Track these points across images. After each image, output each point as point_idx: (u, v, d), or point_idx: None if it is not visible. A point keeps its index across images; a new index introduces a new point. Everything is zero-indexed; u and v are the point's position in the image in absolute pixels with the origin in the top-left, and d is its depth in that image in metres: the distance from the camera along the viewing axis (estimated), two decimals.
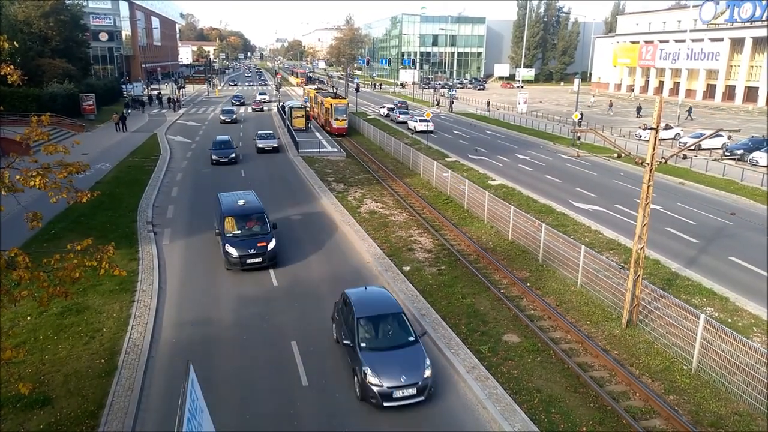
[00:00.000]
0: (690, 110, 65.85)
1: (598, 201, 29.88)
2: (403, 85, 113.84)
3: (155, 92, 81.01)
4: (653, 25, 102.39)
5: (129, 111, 58.20)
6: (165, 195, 30.33)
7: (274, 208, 27.89)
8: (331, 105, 51.28)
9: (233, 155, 38.04)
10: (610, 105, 76.64)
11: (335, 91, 69.70)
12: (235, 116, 59.03)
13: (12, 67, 8.76)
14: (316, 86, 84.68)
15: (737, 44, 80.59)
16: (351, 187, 32.54)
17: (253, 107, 71.56)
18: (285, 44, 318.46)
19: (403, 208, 28.32)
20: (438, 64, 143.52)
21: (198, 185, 32.53)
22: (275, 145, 42.62)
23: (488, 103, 76.49)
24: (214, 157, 37.78)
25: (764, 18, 73.93)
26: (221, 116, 58.61)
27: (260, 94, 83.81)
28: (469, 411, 12.52)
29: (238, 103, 76.98)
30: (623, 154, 16.77)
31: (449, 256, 21.60)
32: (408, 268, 20.35)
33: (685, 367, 14.02)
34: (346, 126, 51.38)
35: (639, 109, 71.03)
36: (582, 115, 51.44)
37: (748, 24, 77.08)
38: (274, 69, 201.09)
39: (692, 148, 36.04)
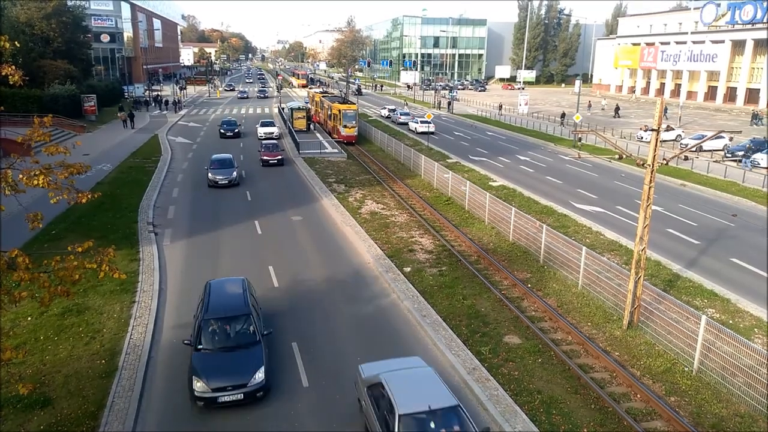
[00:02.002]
0: (665, 110, 66.67)
1: (599, 202, 29.86)
2: (409, 87, 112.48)
3: (155, 93, 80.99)
4: (654, 27, 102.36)
5: (123, 113, 57.92)
6: (166, 196, 30.34)
7: (275, 209, 27.92)
8: (339, 111, 47.80)
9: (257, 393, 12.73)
10: (589, 105, 77.55)
11: (343, 95, 66.22)
12: (234, 173, 32.33)
13: (13, 67, 8.76)
14: (321, 89, 75.19)
15: (738, 46, 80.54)
16: (352, 188, 32.54)
17: (265, 158, 37.89)
18: (286, 46, 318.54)
19: (404, 209, 28.31)
20: (439, 65, 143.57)
21: (199, 185, 32.53)
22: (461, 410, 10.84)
23: (500, 106, 73.99)
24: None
25: (765, 20, 73.86)
26: (209, 173, 32.10)
27: (265, 124, 50.49)
28: (470, 412, 12.43)
29: (230, 133, 49.67)
30: (624, 156, 16.77)
31: (450, 257, 21.58)
32: (409, 269, 20.34)
33: (686, 369, 14.00)
34: (355, 134, 47.78)
35: (617, 109, 70.87)
36: (563, 115, 51.86)
37: (749, 26, 77.02)
38: (275, 70, 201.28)
39: (693, 149, 36.12)
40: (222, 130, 50.40)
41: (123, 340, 15.01)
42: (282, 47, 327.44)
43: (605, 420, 12.22)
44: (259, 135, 48.52)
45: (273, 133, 48.88)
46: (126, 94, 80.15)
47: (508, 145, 49.79)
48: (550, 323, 16.54)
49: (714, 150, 43.57)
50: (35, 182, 8.43)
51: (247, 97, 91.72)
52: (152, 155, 41.51)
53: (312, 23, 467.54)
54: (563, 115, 62.25)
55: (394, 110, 68.34)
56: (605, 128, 54.46)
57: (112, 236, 22.95)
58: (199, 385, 12.05)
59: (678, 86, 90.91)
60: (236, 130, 50.62)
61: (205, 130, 55.69)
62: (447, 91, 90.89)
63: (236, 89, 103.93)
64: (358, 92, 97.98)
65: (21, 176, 8.49)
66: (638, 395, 13.08)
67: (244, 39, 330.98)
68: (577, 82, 65.03)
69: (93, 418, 11.93)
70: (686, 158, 38.95)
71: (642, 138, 48.24)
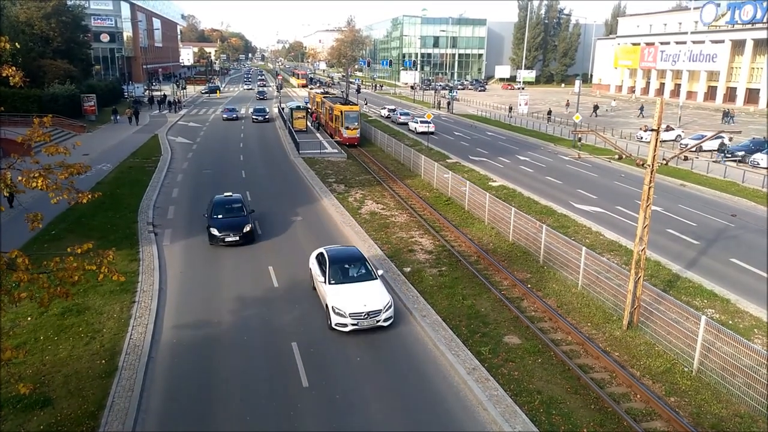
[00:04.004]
0: (642, 108, 71.86)
1: (598, 202, 29.87)
2: (413, 87, 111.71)
3: (157, 93, 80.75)
4: (654, 27, 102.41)
5: (117, 118, 57.64)
6: (166, 195, 30.34)
7: (275, 209, 27.92)
8: (341, 112, 46.75)
9: None
10: (567, 104, 79.74)
11: (345, 95, 65.13)
12: None
13: (14, 68, 8.77)
14: (322, 90, 73.47)
15: (738, 46, 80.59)
16: (352, 188, 32.54)
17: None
18: (286, 45, 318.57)
19: (404, 209, 28.31)
20: (439, 65, 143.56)
21: (199, 186, 32.54)
22: None
23: (510, 108, 72.07)
24: None
25: (765, 20, 73.92)
26: None
27: (339, 260, 17.25)
28: (470, 412, 12.50)
29: (232, 237, 22.01)
30: (624, 156, 16.77)
31: (450, 258, 21.59)
32: (409, 269, 20.34)
33: (686, 369, 14.00)
34: (358, 135, 46.71)
35: (596, 107, 71.16)
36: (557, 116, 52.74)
37: (748, 26, 77.07)
38: (275, 70, 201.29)
39: (693, 149, 36.32)
40: (215, 231, 22.04)
41: (123, 340, 15.00)
42: (282, 47, 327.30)
43: (605, 420, 12.23)
44: (339, 317, 15.89)
45: (378, 314, 15.73)
46: (126, 93, 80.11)
47: (507, 145, 49.80)
48: (549, 323, 16.54)
49: (714, 150, 43.60)
50: (34, 184, 8.43)
51: (237, 118, 62.13)
52: (152, 155, 41.50)
53: (312, 23, 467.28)
54: (550, 112, 67.05)
55: (393, 110, 68.42)
56: (605, 128, 54.49)
57: (112, 236, 22.97)
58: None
59: (678, 86, 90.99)
60: (245, 230, 22.30)
61: (204, 130, 55.69)
62: (447, 91, 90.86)
63: (237, 88, 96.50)
64: (357, 90, 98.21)
65: (20, 178, 8.51)
66: (638, 395, 13.09)
67: (244, 39, 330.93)
68: (577, 82, 65.18)
69: (93, 418, 11.93)
70: (686, 158, 38.85)
71: (642, 138, 48.28)
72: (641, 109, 72.14)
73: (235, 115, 62.51)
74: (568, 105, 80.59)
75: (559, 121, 62.82)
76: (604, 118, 67.14)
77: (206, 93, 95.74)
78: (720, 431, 11.95)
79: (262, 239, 23.64)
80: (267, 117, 61.07)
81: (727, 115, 64.08)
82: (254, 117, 60.44)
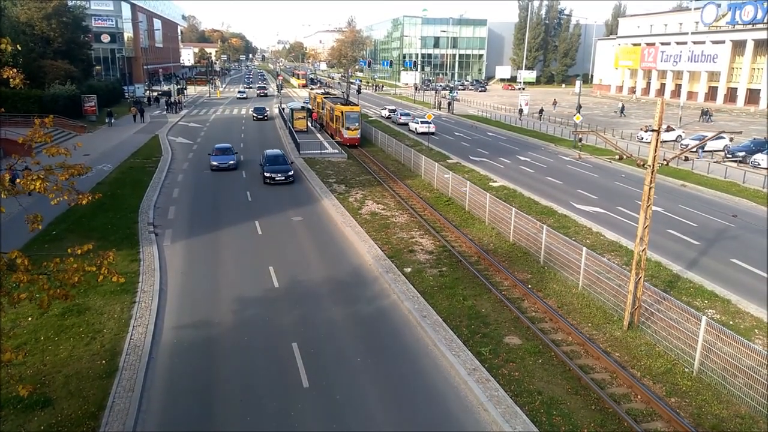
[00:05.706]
0: (623, 108, 73.53)
1: (599, 203, 29.85)
2: (416, 88, 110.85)
3: (156, 93, 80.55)
4: (654, 28, 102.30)
5: (113, 119, 57.14)
6: (166, 196, 30.34)
7: (275, 209, 27.92)
8: (342, 112, 46.66)
9: None
10: (554, 103, 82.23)
11: (346, 96, 63.76)
12: None
13: (15, 70, 8.76)
14: (323, 90, 72.44)
15: (739, 46, 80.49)
16: (352, 188, 32.53)
17: None
18: (286, 46, 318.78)
19: (405, 209, 28.30)
20: (439, 66, 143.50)
21: (199, 186, 32.55)
22: None
23: (521, 111, 70.40)
24: None
25: (765, 20, 73.85)
26: None
27: None
28: (470, 413, 12.50)
29: None
30: (624, 156, 16.76)
31: (450, 258, 21.58)
32: (409, 269, 20.33)
33: (686, 370, 13.99)
34: (358, 136, 46.69)
35: (579, 108, 71.27)
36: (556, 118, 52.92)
37: (749, 26, 77.00)
38: (275, 71, 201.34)
39: (694, 150, 36.42)
40: None
41: (123, 341, 15.01)
42: (282, 47, 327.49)
43: (606, 421, 12.22)
44: None
45: None
46: (126, 94, 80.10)
47: (508, 145, 49.78)
48: (550, 324, 16.53)
49: (714, 150, 43.59)
50: (32, 186, 8.43)
51: (232, 166, 36.41)
52: (152, 155, 41.51)
53: (312, 23, 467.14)
54: (541, 111, 69.10)
55: (394, 110, 68.47)
56: (605, 128, 54.48)
57: (112, 237, 22.98)
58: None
59: (678, 87, 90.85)
60: None
61: (205, 130, 55.72)
62: (447, 92, 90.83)
63: (228, 93, 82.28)
64: (358, 91, 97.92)
65: (19, 180, 8.51)
66: (639, 396, 13.08)
67: (244, 39, 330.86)
68: (578, 83, 65.02)
69: (93, 419, 11.93)
70: (686, 159, 38.84)
71: (642, 138, 48.26)
72: (622, 108, 73.15)
73: (233, 162, 36.75)
74: (555, 104, 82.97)
75: (559, 122, 62.79)
76: (605, 119, 67.08)
77: (163, 96, 78.15)
78: None
79: (263, 239, 23.63)
80: (290, 173, 33.49)
81: (705, 113, 64.73)
82: (267, 175, 32.95)
